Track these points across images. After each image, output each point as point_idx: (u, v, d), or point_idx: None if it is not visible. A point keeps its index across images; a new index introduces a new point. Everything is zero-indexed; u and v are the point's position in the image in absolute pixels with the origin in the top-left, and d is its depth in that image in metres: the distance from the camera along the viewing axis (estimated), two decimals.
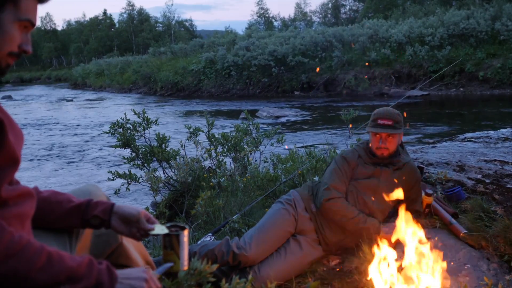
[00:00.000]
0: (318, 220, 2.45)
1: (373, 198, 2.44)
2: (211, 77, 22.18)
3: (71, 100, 22.59)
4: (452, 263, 2.13)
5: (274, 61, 20.24)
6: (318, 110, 14.38)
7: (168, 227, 1.34)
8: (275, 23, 54.54)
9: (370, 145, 2.49)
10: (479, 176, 2.79)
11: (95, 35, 62.65)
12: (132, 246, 1.58)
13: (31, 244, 1.02)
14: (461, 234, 2.34)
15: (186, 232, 1.32)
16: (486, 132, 4.05)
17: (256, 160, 4.37)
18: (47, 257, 1.03)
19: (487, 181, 2.69)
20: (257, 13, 58.32)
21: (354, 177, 2.50)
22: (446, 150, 3.46)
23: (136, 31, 59.45)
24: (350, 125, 4.31)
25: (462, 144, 3.65)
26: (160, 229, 1.34)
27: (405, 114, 2.49)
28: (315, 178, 3.23)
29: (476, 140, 3.64)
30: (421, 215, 2.52)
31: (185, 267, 1.32)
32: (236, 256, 2.25)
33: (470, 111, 12.70)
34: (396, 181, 2.45)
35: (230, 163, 4.33)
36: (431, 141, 6.21)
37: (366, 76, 17.53)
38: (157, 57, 28.42)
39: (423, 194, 2.53)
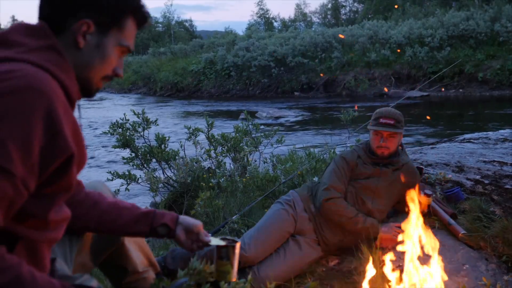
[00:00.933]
0: (317, 220, 2.45)
1: (372, 198, 2.45)
2: (211, 78, 22.19)
3: None
4: (451, 264, 2.14)
5: (274, 62, 20.25)
6: (318, 111, 14.38)
7: (222, 239, 1.44)
8: (275, 24, 54.55)
9: (371, 144, 2.50)
10: (478, 177, 2.79)
11: None
12: (134, 247, 1.58)
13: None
14: (460, 235, 2.35)
15: (238, 244, 1.44)
16: (485, 133, 4.05)
17: (255, 161, 4.38)
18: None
19: (486, 181, 2.70)
20: (257, 13, 58.32)
21: (354, 177, 2.51)
22: (445, 151, 3.46)
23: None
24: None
25: (461, 145, 3.66)
26: (216, 241, 1.43)
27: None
28: (314, 179, 3.24)
29: (475, 141, 3.65)
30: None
31: (235, 278, 1.44)
32: None
33: (469, 112, 12.71)
34: (395, 181, 2.46)
35: (230, 164, 4.34)
36: (430, 142, 6.22)
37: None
38: (156, 57, 28.39)
39: (422, 194, 2.54)
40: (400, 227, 2.26)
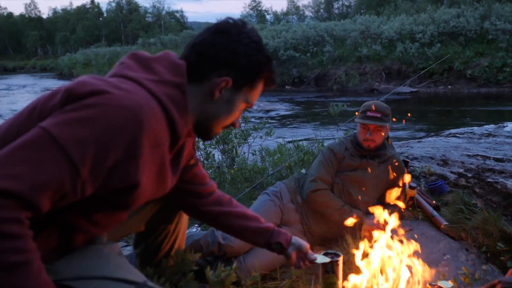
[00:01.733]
0: (304, 211, 2.48)
1: (358, 190, 2.48)
2: None
3: None
4: (432, 254, 2.19)
5: None
6: (308, 105, 14.42)
7: (325, 255, 1.63)
8: (268, 17, 54.39)
9: (358, 136, 2.53)
10: (461, 170, 2.85)
11: (82, 24, 61.51)
12: (183, 238, 1.70)
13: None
14: (442, 226, 2.40)
15: (341, 258, 1.62)
16: (470, 128, 4.12)
17: (244, 153, 4.39)
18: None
19: (469, 175, 2.76)
20: (249, 5, 58.10)
21: (341, 169, 2.53)
22: (431, 145, 3.52)
23: (125, 21, 58.62)
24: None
25: (446, 139, 3.72)
26: (321, 258, 1.61)
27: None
28: (302, 171, 3.27)
29: (460, 136, 3.71)
30: (404, 207, 2.57)
31: (340, 287, 1.64)
32: (221, 247, 2.27)
33: (457, 108, 12.86)
34: (381, 173, 2.50)
35: (218, 155, 4.35)
36: (417, 136, 6.29)
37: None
38: (146, 48, 28.17)
39: (407, 187, 2.58)
40: (384, 220, 2.29)
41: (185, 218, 1.67)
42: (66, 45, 57.23)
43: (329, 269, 1.60)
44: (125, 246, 2.41)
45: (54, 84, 26.83)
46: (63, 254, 1.15)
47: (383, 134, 2.50)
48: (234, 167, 3.83)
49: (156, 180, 1.13)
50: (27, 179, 0.90)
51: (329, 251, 1.66)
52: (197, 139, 1.48)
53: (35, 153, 0.93)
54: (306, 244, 1.61)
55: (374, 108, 2.46)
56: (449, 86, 16.59)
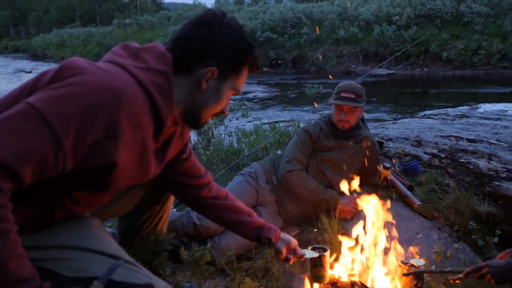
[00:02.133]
0: (279, 192, 2.47)
1: (333, 171, 2.48)
2: None
3: (30, 72, 21.47)
4: (405, 233, 2.22)
5: None
6: (285, 87, 14.39)
7: (313, 250, 1.71)
8: None
9: (333, 117, 2.53)
10: (435, 151, 2.88)
11: (56, 4, 59.18)
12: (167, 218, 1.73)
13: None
14: (415, 206, 2.43)
15: (328, 252, 1.70)
16: (444, 109, 4.17)
17: (220, 134, 4.35)
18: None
19: (442, 155, 2.79)
20: None
21: (315, 150, 2.53)
22: (406, 126, 3.55)
23: (100, 1, 56.75)
24: (316, 104, 4.31)
25: (421, 120, 3.75)
26: (310, 253, 1.69)
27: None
28: (278, 152, 3.25)
29: (435, 117, 3.75)
30: (378, 187, 2.59)
31: (328, 279, 1.71)
32: (196, 227, 2.25)
33: (432, 90, 13.06)
34: (355, 154, 2.50)
35: (194, 137, 4.30)
36: (393, 118, 6.36)
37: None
38: (122, 29, 27.41)
39: (381, 167, 2.60)
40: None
41: (171, 200, 1.70)
42: (40, 26, 55.09)
43: (317, 263, 1.67)
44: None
45: (27, 65, 25.87)
46: (42, 229, 1.17)
47: (357, 114, 2.50)
48: (210, 148, 3.79)
49: (137, 164, 1.15)
50: (12, 149, 0.93)
51: (316, 246, 1.74)
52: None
53: (19, 125, 0.96)
54: (294, 240, 1.68)
55: (348, 89, 2.45)
56: (425, 69, 16.80)
